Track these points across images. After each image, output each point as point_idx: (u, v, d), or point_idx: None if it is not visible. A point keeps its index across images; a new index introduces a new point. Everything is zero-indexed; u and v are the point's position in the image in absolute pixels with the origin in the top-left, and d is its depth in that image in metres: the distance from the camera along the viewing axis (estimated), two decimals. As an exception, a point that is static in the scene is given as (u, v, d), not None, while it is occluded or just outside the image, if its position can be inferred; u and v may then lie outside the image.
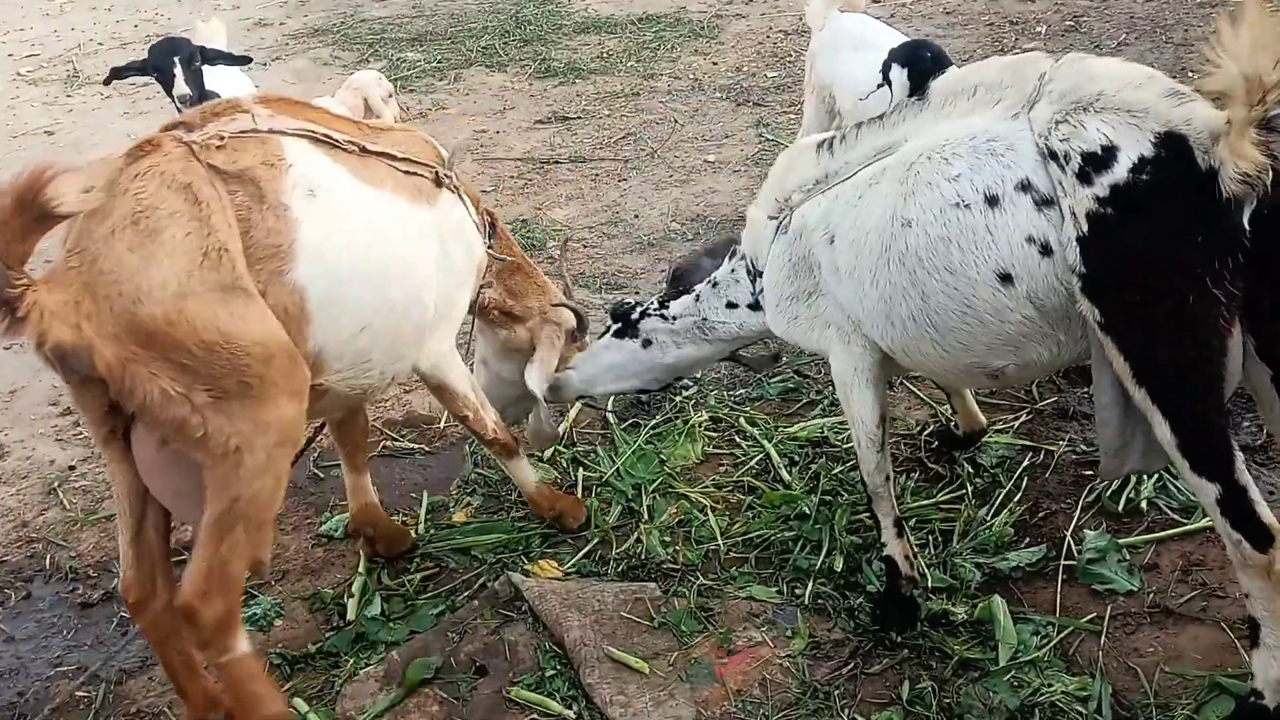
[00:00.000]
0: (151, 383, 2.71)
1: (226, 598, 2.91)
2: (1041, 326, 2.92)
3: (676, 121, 8.49)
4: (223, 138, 3.00)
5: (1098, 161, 2.72)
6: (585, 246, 6.61)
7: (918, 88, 4.77)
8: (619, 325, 4.09)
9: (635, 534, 4.09)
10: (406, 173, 3.47)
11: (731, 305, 3.83)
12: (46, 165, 2.54)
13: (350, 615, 3.82)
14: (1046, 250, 2.82)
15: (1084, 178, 2.73)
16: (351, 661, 3.63)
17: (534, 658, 3.57)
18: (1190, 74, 8.04)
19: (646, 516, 4.18)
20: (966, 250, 2.93)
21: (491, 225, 4.01)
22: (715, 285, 3.87)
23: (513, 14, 11.93)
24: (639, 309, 4.05)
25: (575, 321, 4.24)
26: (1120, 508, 3.88)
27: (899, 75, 4.83)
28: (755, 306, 3.76)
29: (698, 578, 3.83)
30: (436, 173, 3.59)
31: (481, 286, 3.98)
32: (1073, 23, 9.50)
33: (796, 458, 4.41)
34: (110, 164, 2.87)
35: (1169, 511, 3.85)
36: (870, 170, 3.23)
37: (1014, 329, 2.95)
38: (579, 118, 8.81)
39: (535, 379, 4.03)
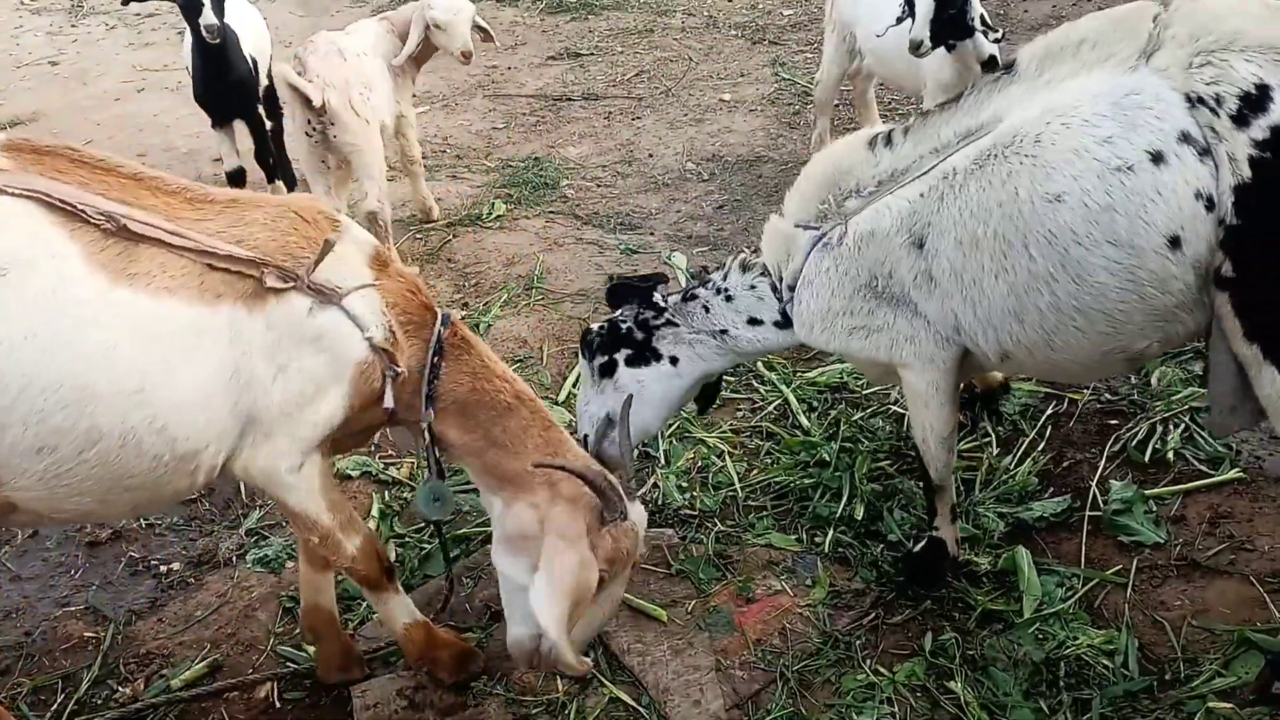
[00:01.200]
0: None
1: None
2: (1194, 293, 2.73)
3: (691, 59, 8.34)
4: None
5: (1253, 102, 2.54)
6: (599, 185, 6.51)
7: (943, 14, 4.68)
8: (631, 354, 3.54)
9: (652, 479, 4.03)
10: (216, 267, 2.70)
11: (755, 321, 3.46)
12: None
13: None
14: (1211, 204, 2.62)
15: (1241, 120, 2.55)
16: (365, 604, 3.58)
17: (549, 603, 3.52)
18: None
19: (663, 461, 4.11)
20: (1134, 217, 2.68)
21: (438, 344, 3.01)
22: (730, 300, 3.47)
23: (524, -53, 11.71)
24: (626, 328, 3.53)
25: (600, 498, 2.98)
26: (1146, 458, 3.81)
27: (925, 3, 4.67)
28: (782, 324, 3.42)
29: (716, 524, 3.78)
30: (262, 272, 2.74)
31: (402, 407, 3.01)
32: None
33: (815, 403, 4.34)
34: None
35: (1196, 463, 3.77)
36: (962, 158, 2.91)
37: (1173, 299, 2.74)
38: (591, 54, 8.66)
39: (541, 608, 2.77)
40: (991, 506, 3.68)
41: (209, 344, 2.69)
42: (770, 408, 4.35)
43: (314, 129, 5.26)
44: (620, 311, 3.58)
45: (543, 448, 3.04)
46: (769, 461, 4.06)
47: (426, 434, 3.03)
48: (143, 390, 2.60)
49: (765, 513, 3.83)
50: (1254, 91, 2.55)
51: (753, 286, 3.46)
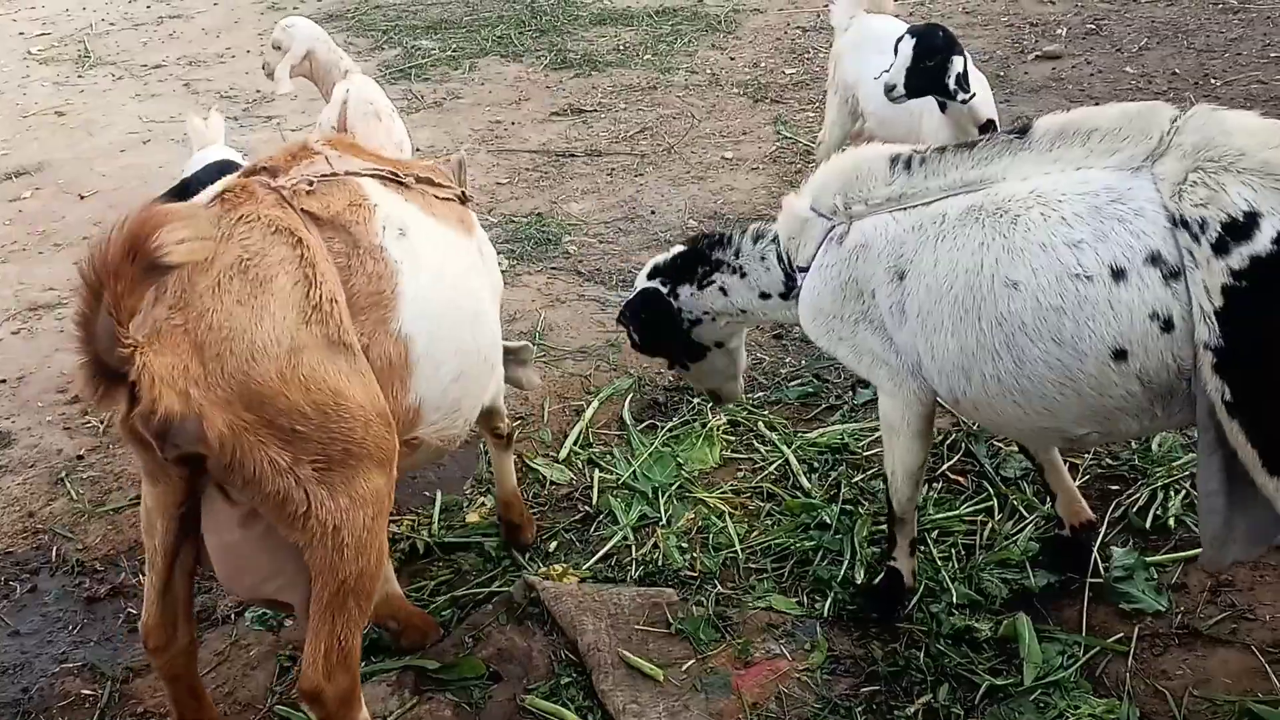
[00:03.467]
0: (260, 453, 2.47)
1: (349, 673, 2.77)
2: (1141, 402, 2.76)
3: (694, 117, 8.41)
4: (311, 182, 2.83)
5: (1238, 230, 2.53)
6: (601, 242, 6.54)
7: (921, 64, 4.74)
8: (688, 355, 3.88)
9: (653, 539, 4.02)
10: (446, 199, 3.30)
11: (765, 295, 3.59)
12: (151, 212, 2.28)
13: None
14: (1168, 326, 2.64)
15: (1221, 248, 2.54)
16: (363, 665, 3.56)
17: (549, 665, 3.51)
18: (1213, 80, 7.97)
19: (664, 521, 4.11)
20: (1081, 324, 2.72)
21: None
22: (744, 276, 3.60)
23: (528, 3, 11.84)
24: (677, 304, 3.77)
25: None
26: (1147, 525, 3.82)
27: (906, 46, 4.74)
28: (787, 295, 3.54)
29: (715, 586, 3.77)
30: (462, 193, 3.42)
31: None
32: (1094, 26, 9.41)
33: (816, 464, 4.34)
34: (207, 209, 2.68)
35: (1196, 530, 3.76)
36: (955, 206, 2.98)
37: (1112, 403, 2.79)
38: (595, 111, 8.73)
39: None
40: (994, 572, 3.67)
41: (480, 263, 3.32)
42: (771, 468, 4.35)
43: None
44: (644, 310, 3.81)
45: None
46: (770, 523, 4.06)
47: None
48: (484, 307, 3.22)
49: (766, 575, 3.82)
50: (1241, 218, 2.54)
51: (763, 257, 3.56)
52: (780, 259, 3.52)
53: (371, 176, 3.02)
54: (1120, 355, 2.71)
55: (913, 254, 3.03)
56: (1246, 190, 2.55)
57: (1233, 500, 2.71)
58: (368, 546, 2.67)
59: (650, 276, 3.83)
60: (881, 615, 3.54)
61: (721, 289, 3.66)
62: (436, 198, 3.23)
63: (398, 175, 3.09)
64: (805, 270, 3.38)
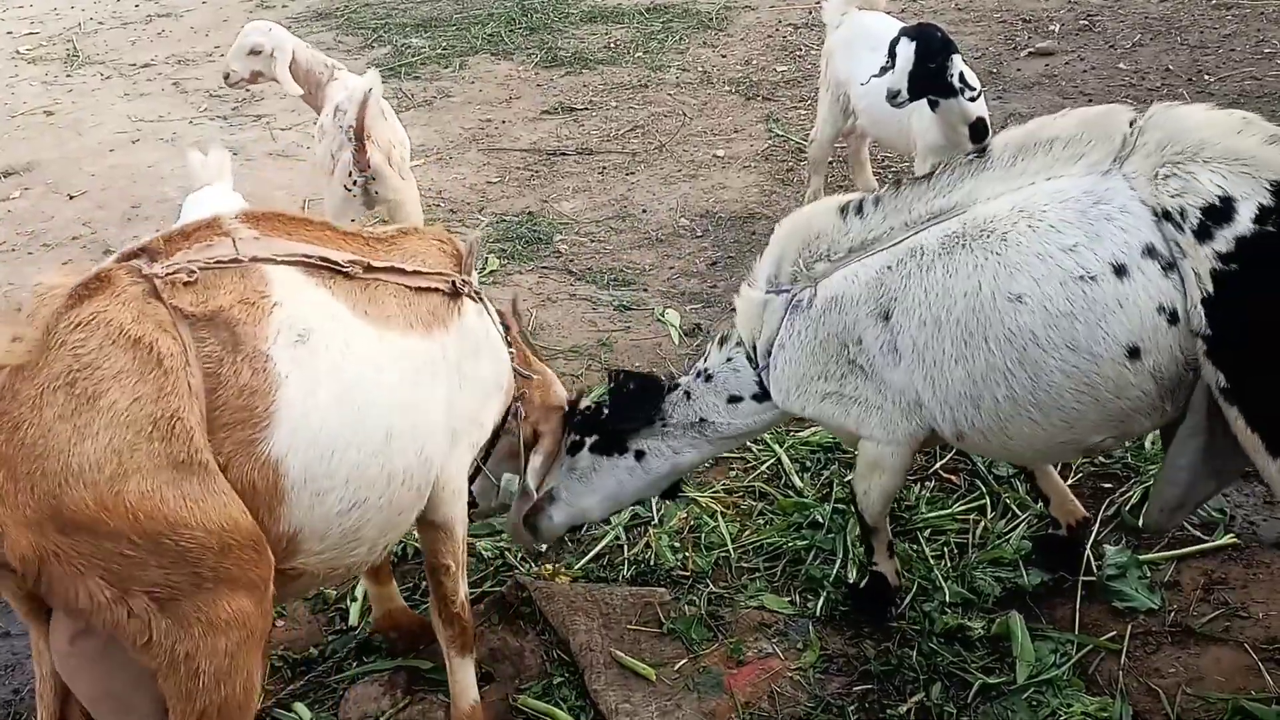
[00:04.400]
0: (77, 582, 2.21)
1: None
2: (1154, 399, 2.79)
3: (685, 115, 8.40)
4: (193, 271, 2.46)
5: (1217, 214, 2.58)
6: (593, 241, 6.53)
7: (922, 68, 4.73)
8: (598, 440, 3.54)
9: (644, 539, 4.01)
10: (419, 288, 2.88)
11: (734, 399, 3.44)
12: None
13: (353, 620, 3.74)
14: (1174, 318, 2.68)
15: (1203, 234, 2.59)
16: (355, 666, 3.55)
17: (541, 664, 3.50)
18: (1206, 76, 7.97)
19: (656, 521, 4.10)
20: (1093, 325, 2.73)
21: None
22: (710, 379, 3.46)
23: (519, 1, 11.82)
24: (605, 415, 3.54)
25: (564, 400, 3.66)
26: (1140, 523, 3.81)
27: (905, 49, 4.70)
28: (761, 396, 3.40)
29: (708, 585, 3.76)
30: (453, 282, 2.99)
31: (514, 405, 3.37)
32: (1087, 22, 9.40)
33: (809, 463, 4.33)
34: (47, 305, 2.34)
35: (1190, 528, 3.77)
36: (933, 237, 2.96)
37: (1129, 404, 2.80)
38: (586, 109, 8.71)
39: (538, 475, 3.50)
40: (986, 570, 3.67)
41: (439, 369, 2.85)
42: (763, 467, 4.34)
43: (354, 184, 5.28)
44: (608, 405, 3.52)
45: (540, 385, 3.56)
46: (762, 522, 4.06)
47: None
48: (416, 426, 2.74)
49: (758, 574, 3.81)
50: (1217, 204, 2.59)
51: (729, 359, 3.46)
52: (748, 358, 3.41)
53: (292, 263, 2.62)
54: (1134, 353, 2.72)
55: (898, 291, 3.00)
56: (1216, 177, 2.61)
57: (1194, 480, 2.83)
58: (230, 674, 2.38)
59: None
60: (873, 617, 3.53)
61: (686, 392, 3.50)
62: (408, 287, 2.85)
63: (333, 262, 2.68)
64: (769, 352, 3.31)
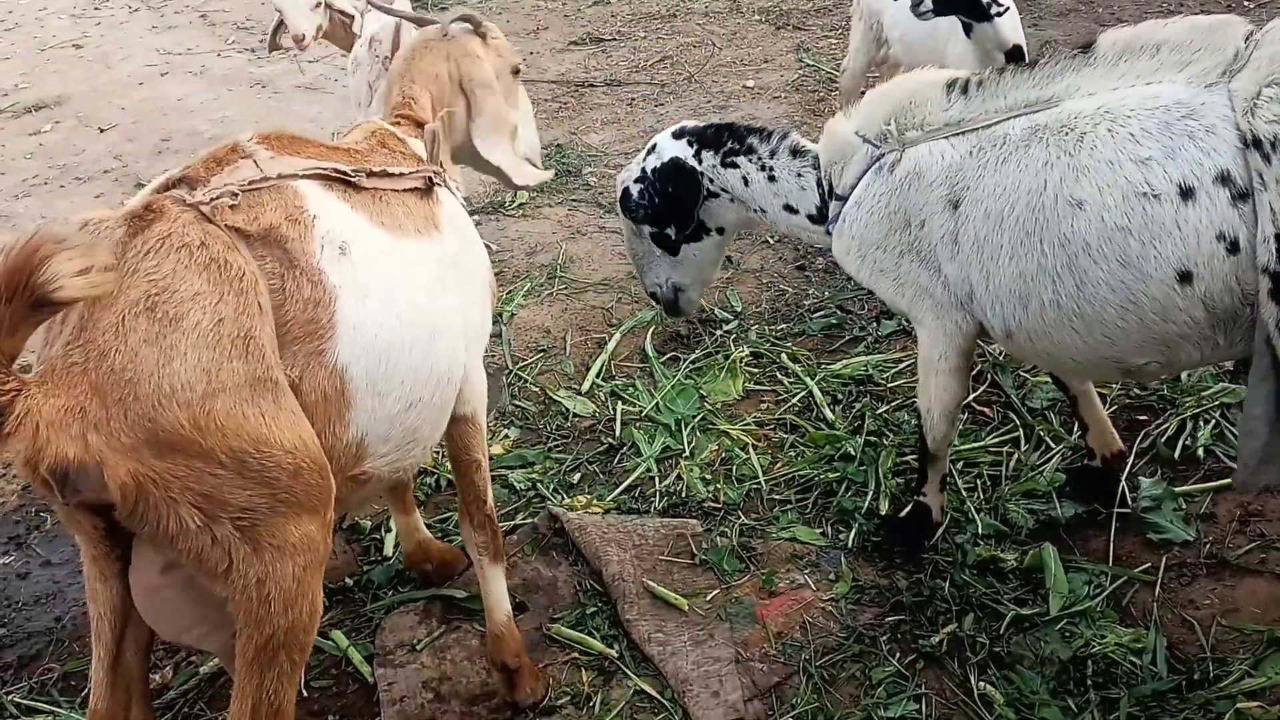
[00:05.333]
0: (170, 509, 2.24)
1: None
2: (1203, 328, 2.71)
3: (714, 45, 8.29)
4: (235, 193, 2.50)
5: None
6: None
7: None
8: (680, 228, 3.88)
9: (676, 470, 4.02)
10: (406, 190, 2.89)
11: (790, 210, 3.53)
12: (39, 240, 2.01)
13: (388, 550, 3.78)
14: (1234, 248, 2.58)
15: None
16: (390, 594, 3.59)
17: (574, 595, 3.53)
18: (1246, 3, 7.78)
19: (687, 453, 4.11)
20: (1147, 244, 2.66)
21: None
22: (773, 180, 3.54)
23: (546, -70, 11.65)
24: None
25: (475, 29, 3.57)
26: (1176, 455, 3.79)
27: None
28: (817, 219, 3.47)
29: (740, 517, 3.77)
30: (428, 177, 2.97)
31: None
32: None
33: (840, 396, 4.31)
34: (106, 236, 2.34)
35: (1226, 460, 3.74)
36: (1017, 128, 2.88)
37: (1175, 329, 2.72)
38: (614, 40, 8.63)
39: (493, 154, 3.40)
40: (1020, 503, 3.66)
41: (446, 267, 2.87)
42: (794, 400, 4.33)
43: None
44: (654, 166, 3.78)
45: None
46: (793, 455, 4.05)
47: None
48: (447, 324, 2.82)
49: (789, 506, 3.82)
50: None
51: (799, 174, 3.50)
52: (819, 183, 3.44)
53: (312, 178, 2.67)
54: (1185, 278, 2.64)
55: (971, 180, 2.94)
56: None
57: (1275, 427, 2.69)
58: (298, 599, 2.42)
59: (676, 137, 3.80)
60: (907, 549, 3.53)
61: (744, 178, 3.63)
62: (396, 191, 2.86)
63: (346, 173, 2.73)
64: (842, 199, 3.30)
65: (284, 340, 2.40)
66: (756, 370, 4.55)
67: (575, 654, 3.33)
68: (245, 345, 2.31)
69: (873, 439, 4.02)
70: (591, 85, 7.83)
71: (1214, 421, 3.88)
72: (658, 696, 3.16)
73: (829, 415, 4.19)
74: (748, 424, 4.24)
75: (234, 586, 2.35)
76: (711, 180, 3.70)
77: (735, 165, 3.63)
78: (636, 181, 3.88)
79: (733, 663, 3.23)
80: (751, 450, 4.09)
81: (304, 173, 2.64)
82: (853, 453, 3.96)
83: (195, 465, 2.24)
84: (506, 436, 4.32)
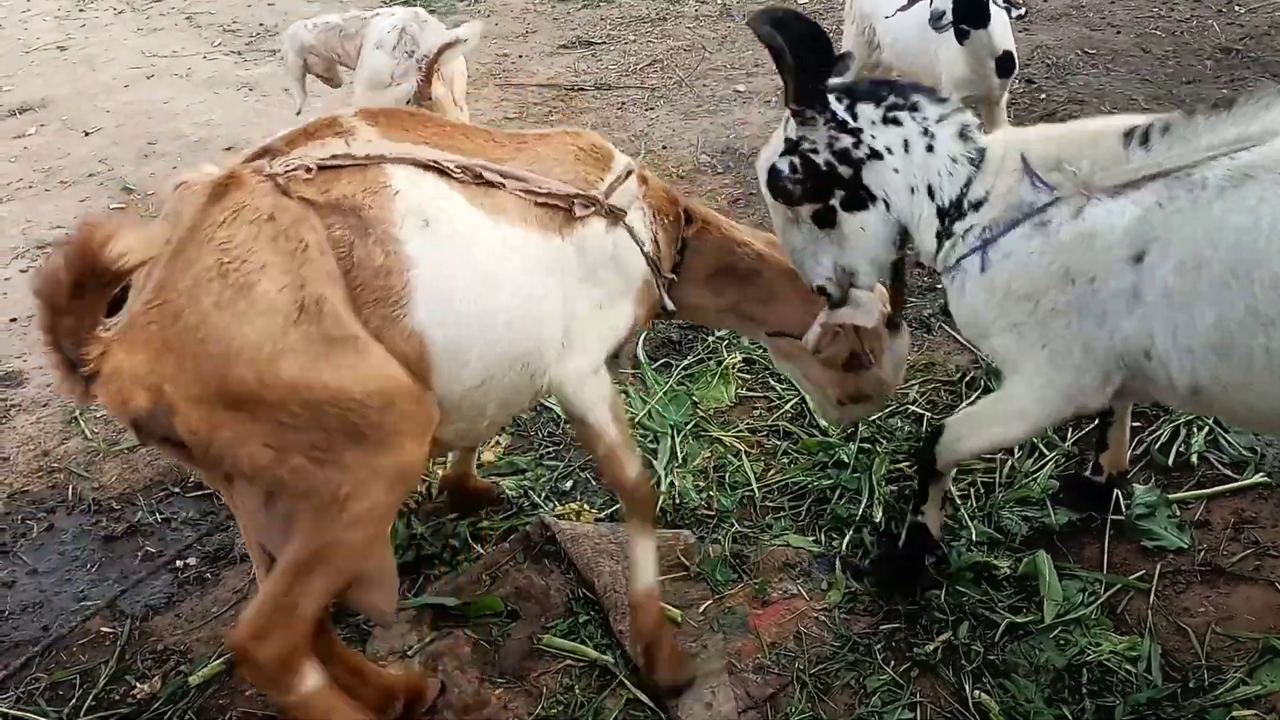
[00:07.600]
0: (240, 449, 2.43)
1: (289, 637, 2.60)
2: None
3: (705, 49, 8.29)
4: (310, 168, 2.62)
5: None
6: (612, 177, 6.46)
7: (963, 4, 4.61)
8: (845, 195, 3.06)
9: (669, 478, 4.00)
10: (537, 201, 2.93)
11: (928, 193, 3.01)
12: (94, 226, 2.22)
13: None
14: None
15: None
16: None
17: (566, 603, 3.51)
18: (1238, 7, 7.80)
19: (679, 460, 4.09)
20: None
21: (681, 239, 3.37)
22: (931, 150, 2.98)
23: (534, -67, 11.64)
24: (826, 162, 3.03)
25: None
26: (1170, 462, 3.79)
27: None
28: (936, 218, 2.99)
29: (732, 525, 3.76)
30: (572, 203, 2.98)
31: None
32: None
33: (833, 402, 4.30)
34: (190, 202, 2.53)
35: (1220, 467, 3.75)
36: (1218, 169, 2.58)
37: None
38: (604, 43, 8.61)
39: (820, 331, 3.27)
40: (1013, 510, 3.65)
41: (554, 270, 2.94)
42: (787, 406, 4.32)
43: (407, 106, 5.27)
44: (802, 133, 3.05)
45: (790, 292, 3.37)
46: (786, 462, 4.04)
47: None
48: (531, 315, 2.89)
49: (782, 513, 3.80)
50: None
51: (954, 159, 2.98)
52: (966, 182, 2.97)
53: (405, 162, 2.75)
54: None
55: (1160, 229, 2.64)
56: None
57: None
58: (367, 519, 2.57)
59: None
60: (904, 583, 3.38)
61: (905, 141, 3.01)
62: (521, 194, 2.90)
63: (445, 169, 2.78)
64: (955, 209, 2.95)
65: (357, 302, 2.56)
66: (749, 376, 4.54)
67: (568, 662, 3.31)
68: (316, 309, 2.47)
69: (866, 446, 4.01)
70: (581, 89, 7.81)
71: (1207, 428, 3.88)
72: (652, 706, 3.14)
73: (822, 422, 4.18)
74: (740, 431, 4.22)
75: (312, 501, 2.53)
76: (874, 137, 3.02)
77: (898, 120, 3.02)
78: (784, 155, 3.10)
79: (725, 674, 3.22)
80: (744, 457, 4.07)
81: (393, 155, 2.73)
82: (846, 459, 3.95)
83: (263, 414, 2.42)
84: (497, 443, 4.29)
